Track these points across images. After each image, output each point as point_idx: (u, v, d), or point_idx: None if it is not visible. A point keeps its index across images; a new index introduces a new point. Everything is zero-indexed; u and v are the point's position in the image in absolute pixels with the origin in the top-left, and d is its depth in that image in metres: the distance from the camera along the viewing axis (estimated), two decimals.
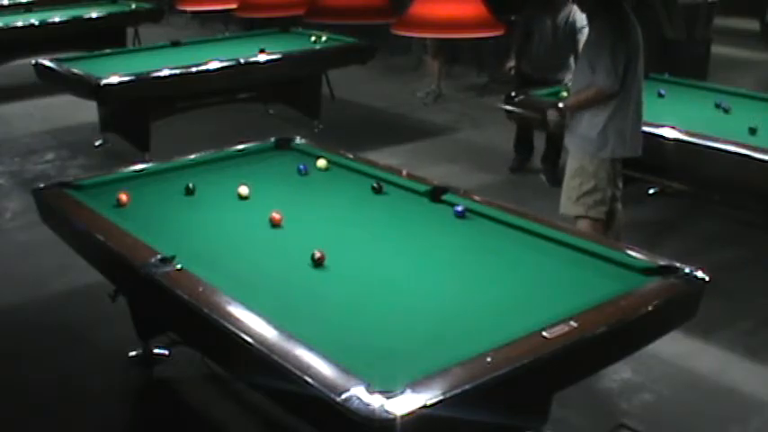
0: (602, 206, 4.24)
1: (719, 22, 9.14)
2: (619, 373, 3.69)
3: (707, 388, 3.70)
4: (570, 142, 4.33)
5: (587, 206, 4.24)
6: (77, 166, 6.59)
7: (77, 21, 9.03)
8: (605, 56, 4.01)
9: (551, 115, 4.36)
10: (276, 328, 2.44)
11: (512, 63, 6.19)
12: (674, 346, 3.61)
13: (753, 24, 11.59)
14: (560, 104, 4.37)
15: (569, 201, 4.30)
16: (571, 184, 4.28)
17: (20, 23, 8.84)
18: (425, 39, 8.35)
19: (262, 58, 6.91)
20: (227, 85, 6.88)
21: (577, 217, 4.29)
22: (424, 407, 2.08)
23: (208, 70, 6.55)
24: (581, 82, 4.21)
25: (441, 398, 2.11)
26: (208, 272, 2.81)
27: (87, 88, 6.30)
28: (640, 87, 4.20)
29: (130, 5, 9.79)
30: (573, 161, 4.30)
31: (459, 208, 3.41)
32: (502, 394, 2.31)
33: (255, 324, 2.48)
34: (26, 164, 6.76)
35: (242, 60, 6.77)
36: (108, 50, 7.77)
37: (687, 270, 2.81)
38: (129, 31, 10.00)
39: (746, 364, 3.87)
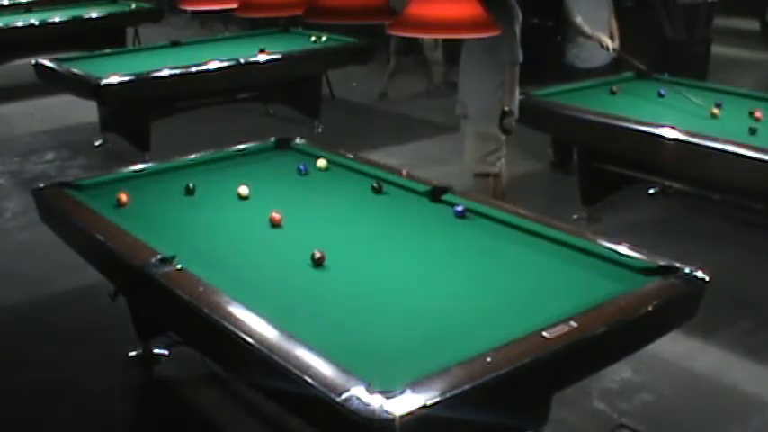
0: (501, 159, 5.01)
1: (719, 22, 9.14)
2: (619, 373, 3.69)
3: (707, 388, 3.70)
4: (473, 111, 4.94)
5: (490, 163, 4.98)
6: (77, 166, 6.60)
7: (77, 21, 9.03)
8: (510, 36, 4.63)
9: (510, 124, 4.87)
10: (276, 327, 2.44)
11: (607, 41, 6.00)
12: (674, 346, 3.61)
13: (753, 24, 11.59)
14: (506, 108, 4.83)
15: (474, 160, 5.01)
16: (475, 146, 4.98)
17: (20, 23, 8.84)
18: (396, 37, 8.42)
19: (262, 58, 6.91)
20: (227, 85, 6.88)
21: (478, 175, 5.01)
22: (424, 407, 2.08)
23: (208, 70, 6.55)
24: (491, 70, 4.79)
25: (440, 398, 2.11)
26: (208, 272, 2.81)
27: (87, 88, 6.30)
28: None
29: (130, 5, 9.79)
30: (477, 127, 4.95)
31: (459, 208, 3.41)
32: (502, 394, 2.31)
33: (255, 324, 2.48)
34: (26, 164, 6.76)
35: (242, 60, 6.77)
36: (108, 50, 7.78)
37: (687, 270, 2.81)
38: (129, 31, 10.00)
39: (746, 364, 3.87)
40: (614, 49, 6.03)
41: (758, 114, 5.02)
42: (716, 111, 5.07)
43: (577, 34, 6.11)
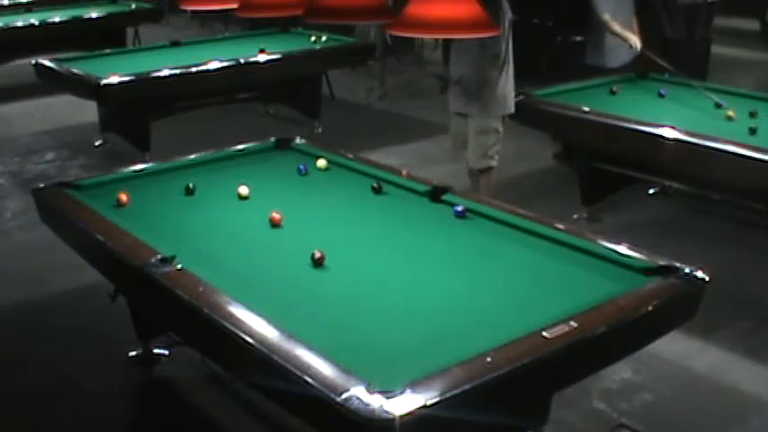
0: (499, 152, 5.14)
1: (719, 22, 9.14)
2: (619, 373, 3.69)
3: (707, 388, 3.71)
4: (475, 108, 5.03)
5: (490, 156, 5.10)
6: (77, 166, 6.60)
7: (77, 21, 9.03)
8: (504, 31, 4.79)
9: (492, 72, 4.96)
10: (276, 328, 2.44)
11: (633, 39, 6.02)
12: (674, 346, 3.61)
13: (753, 24, 11.59)
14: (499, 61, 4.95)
15: (477, 156, 5.11)
16: (479, 142, 5.09)
17: (20, 23, 8.83)
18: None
19: (262, 58, 6.91)
20: (227, 85, 6.87)
21: (482, 170, 5.12)
22: (424, 407, 2.08)
23: (208, 70, 6.55)
24: (481, 66, 4.93)
25: (440, 398, 2.11)
26: (208, 272, 2.81)
27: (87, 88, 6.30)
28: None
29: (130, 5, 9.79)
30: (480, 123, 5.05)
31: (459, 208, 3.41)
32: (502, 394, 2.31)
33: (256, 324, 2.48)
34: (26, 164, 6.76)
35: (242, 60, 6.76)
36: (108, 50, 7.77)
37: (687, 270, 2.81)
38: (129, 31, 10.00)
39: (746, 364, 3.87)
40: (640, 48, 6.03)
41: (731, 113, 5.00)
42: (731, 113, 5.00)
43: (603, 32, 6.09)
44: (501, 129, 5.08)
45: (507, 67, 4.97)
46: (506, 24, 4.85)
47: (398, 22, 3.23)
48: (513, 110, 5.09)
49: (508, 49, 4.94)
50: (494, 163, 5.13)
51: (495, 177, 5.23)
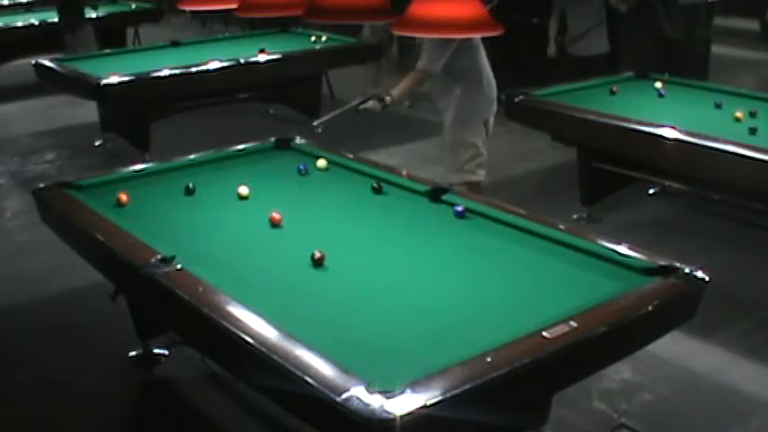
0: (483, 168, 4.82)
1: (719, 22, 9.12)
2: (619, 373, 3.69)
3: (707, 388, 3.70)
4: (445, 120, 4.87)
5: (469, 171, 4.78)
6: (77, 166, 6.60)
7: None
8: (430, 42, 4.58)
9: (374, 106, 4.78)
10: (276, 327, 2.44)
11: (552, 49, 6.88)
12: (674, 346, 3.61)
13: (753, 24, 11.58)
14: (387, 98, 4.70)
15: (451, 170, 4.83)
16: (453, 156, 4.84)
17: (20, 23, 8.84)
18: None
19: (262, 58, 6.91)
20: (227, 85, 6.88)
21: (459, 185, 4.61)
22: (424, 407, 2.08)
23: (208, 70, 6.55)
24: (453, 79, 4.74)
25: (441, 398, 2.11)
26: (208, 272, 2.81)
27: (87, 88, 6.30)
28: (485, 61, 4.79)
29: (130, 5, 9.80)
30: (452, 136, 4.84)
31: (460, 208, 3.41)
32: (502, 394, 2.31)
33: (255, 324, 2.48)
34: (26, 164, 6.77)
35: (242, 60, 6.77)
36: (108, 50, 7.78)
37: (687, 270, 2.81)
38: (129, 31, 10.00)
39: (746, 364, 3.87)
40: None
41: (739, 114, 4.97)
42: (739, 114, 4.94)
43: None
44: (479, 141, 4.79)
45: (473, 76, 4.71)
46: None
47: (401, 22, 3.23)
48: (488, 116, 4.82)
49: (477, 58, 4.70)
50: (475, 177, 4.80)
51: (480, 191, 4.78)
